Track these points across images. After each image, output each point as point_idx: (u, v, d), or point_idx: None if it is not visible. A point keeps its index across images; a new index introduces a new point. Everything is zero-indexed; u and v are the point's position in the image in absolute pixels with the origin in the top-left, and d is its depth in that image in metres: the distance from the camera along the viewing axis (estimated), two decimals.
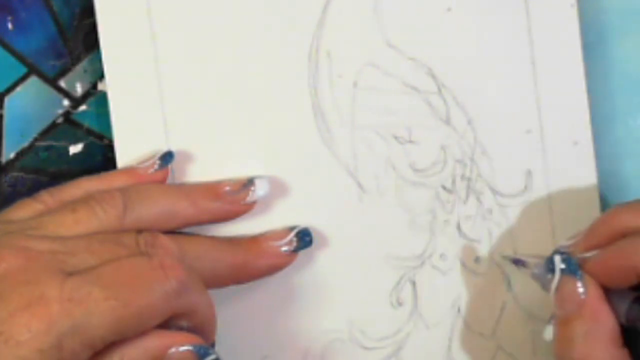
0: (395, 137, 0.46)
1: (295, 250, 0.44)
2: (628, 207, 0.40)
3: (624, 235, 0.39)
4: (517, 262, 0.45)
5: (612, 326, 0.38)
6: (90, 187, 0.42)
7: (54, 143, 0.46)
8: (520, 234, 0.47)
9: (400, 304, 0.46)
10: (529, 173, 0.47)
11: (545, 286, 0.41)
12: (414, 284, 0.46)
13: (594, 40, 0.48)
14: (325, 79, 0.46)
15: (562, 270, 0.38)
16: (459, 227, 0.47)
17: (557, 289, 0.39)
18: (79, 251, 0.38)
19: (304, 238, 0.44)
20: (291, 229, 0.45)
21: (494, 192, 0.47)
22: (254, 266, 0.44)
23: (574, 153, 0.47)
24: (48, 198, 0.42)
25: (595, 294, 0.38)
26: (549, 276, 0.39)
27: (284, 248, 0.44)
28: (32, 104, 0.45)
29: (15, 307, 0.35)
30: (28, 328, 0.34)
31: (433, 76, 0.46)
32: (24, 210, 0.41)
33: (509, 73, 0.47)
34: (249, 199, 0.44)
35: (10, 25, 0.45)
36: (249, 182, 0.44)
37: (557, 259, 0.39)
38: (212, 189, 0.44)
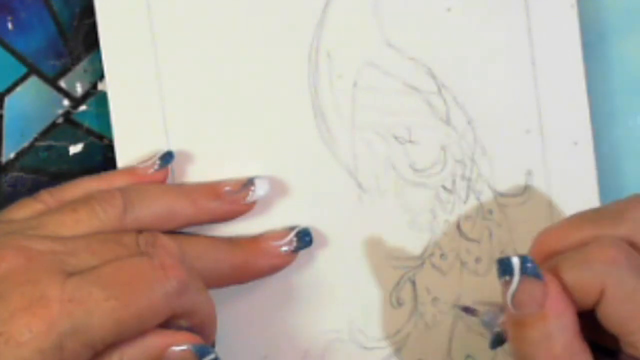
0: (395, 137, 0.46)
1: (295, 250, 0.44)
2: (556, 228, 0.39)
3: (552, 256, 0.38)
4: (467, 311, 0.45)
5: (574, 320, 0.36)
6: (91, 187, 0.42)
7: (54, 143, 0.46)
8: (520, 234, 0.47)
9: (400, 304, 0.46)
10: (529, 173, 0.47)
11: (492, 331, 0.40)
12: (414, 284, 0.46)
13: (594, 40, 0.48)
14: (325, 79, 0.46)
15: (521, 272, 0.36)
16: (459, 227, 0.47)
17: (516, 291, 0.36)
18: (80, 251, 0.38)
19: (304, 238, 0.44)
20: (291, 228, 0.45)
21: (494, 192, 0.47)
22: (254, 266, 0.44)
23: (574, 153, 0.47)
24: (48, 198, 0.42)
25: (556, 290, 0.36)
26: (504, 279, 0.36)
27: (284, 248, 0.44)
28: (32, 104, 0.45)
29: (15, 308, 0.35)
30: (29, 328, 0.34)
31: (433, 76, 0.46)
32: (24, 210, 0.41)
33: (509, 73, 0.47)
34: (249, 198, 0.44)
35: (10, 25, 0.45)
36: (249, 182, 0.44)
37: (515, 260, 0.36)
38: (212, 189, 0.44)
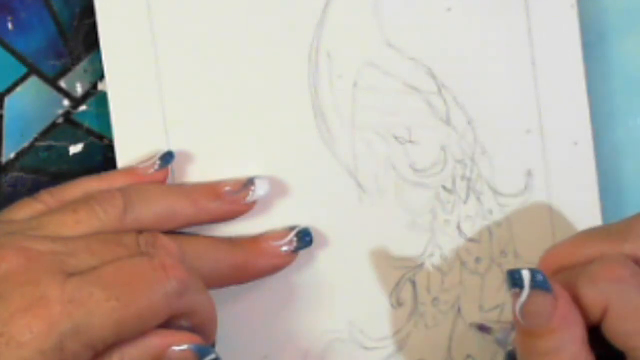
0: (395, 137, 0.46)
1: (295, 250, 0.44)
2: (564, 244, 0.40)
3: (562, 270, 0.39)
4: (482, 329, 0.45)
5: (582, 333, 0.37)
6: (91, 187, 0.42)
7: (54, 143, 0.46)
8: (520, 234, 0.47)
9: (400, 304, 0.46)
10: (529, 173, 0.47)
11: (505, 348, 0.40)
12: (414, 284, 0.46)
13: (594, 40, 0.48)
14: (325, 79, 0.46)
15: (531, 284, 0.36)
16: (459, 227, 0.47)
17: (525, 303, 0.36)
18: (80, 251, 0.38)
19: (304, 238, 0.44)
20: (291, 228, 0.45)
21: (494, 192, 0.47)
22: (254, 266, 0.44)
23: (574, 153, 0.47)
24: (48, 198, 0.42)
25: (565, 303, 0.37)
26: (514, 291, 0.37)
27: (284, 248, 0.44)
28: (32, 104, 0.45)
29: (16, 308, 0.35)
30: (29, 329, 0.34)
31: (433, 76, 0.46)
32: (24, 210, 0.41)
33: (509, 73, 0.47)
34: (249, 198, 0.44)
35: (10, 25, 0.45)
36: (249, 182, 0.44)
37: (526, 273, 0.37)
38: (212, 189, 0.44)
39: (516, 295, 0.37)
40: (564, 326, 0.36)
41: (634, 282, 0.36)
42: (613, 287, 0.36)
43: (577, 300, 0.37)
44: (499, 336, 0.42)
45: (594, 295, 0.36)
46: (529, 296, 0.36)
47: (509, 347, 0.41)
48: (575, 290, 0.37)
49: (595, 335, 0.37)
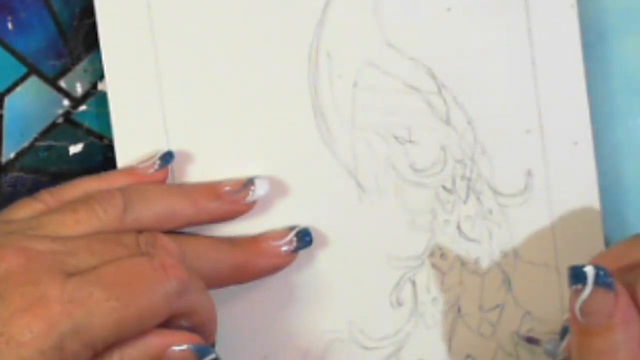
0: (395, 137, 0.46)
1: (295, 250, 0.44)
2: (620, 245, 0.40)
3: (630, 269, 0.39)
4: (530, 341, 0.45)
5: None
6: (91, 187, 0.42)
7: (54, 143, 0.46)
8: (520, 234, 0.47)
9: (400, 304, 0.46)
10: (529, 173, 0.47)
11: (554, 358, 0.40)
12: (414, 284, 0.46)
13: (594, 40, 0.48)
14: (325, 79, 0.46)
15: (595, 282, 0.36)
16: (459, 227, 0.47)
17: (587, 300, 0.36)
18: (80, 251, 0.38)
19: (304, 238, 0.44)
20: (291, 228, 0.45)
21: (494, 192, 0.47)
22: (254, 266, 0.44)
23: (574, 153, 0.47)
24: (48, 198, 0.42)
25: (626, 302, 0.37)
26: (576, 287, 0.37)
27: (284, 248, 0.44)
28: (32, 104, 0.45)
29: (16, 308, 0.35)
30: (29, 329, 0.34)
31: (433, 76, 0.46)
32: (24, 210, 0.41)
33: (509, 73, 0.47)
34: (249, 198, 0.44)
35: (10, 25, 0.45)
36: (249, 182, 0.44)
37: (590, 270, 0.36)
38: (212, 189, 0.44)
39: (577, 292, 0.36)
40: (623, 325, 0.36)
41: None
42: None
43: (635, 301, 0.37)
44: (548, 347, 0.42)
45: None
46: (591, 293, 0.36)
47: (559, 358, 0.41)
48: (634, 291, 0.37)
49: None
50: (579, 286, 0.37)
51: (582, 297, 0.36)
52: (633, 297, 0.37)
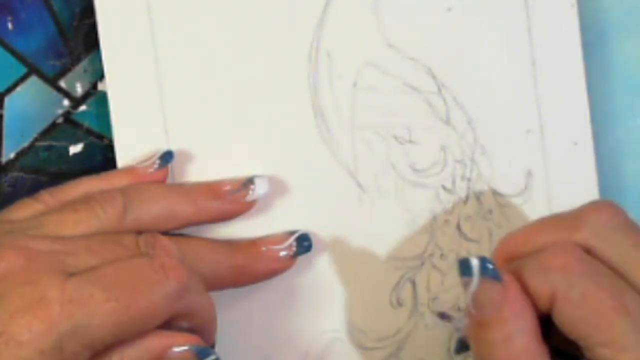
0: (395, 137, 0.46)
1: (294, 256, 0.44)
2: (518, 233, 0.40)
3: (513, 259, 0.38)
4: (443, 317, 0.45)
5: (533, 322, 0.36)
6: (91, 187, 0.42)
7: (54, 143, 0.46)
8: None
9: (400, 304, 0.46)
10: (529, 173, 0.47)
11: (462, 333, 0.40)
12: (414, 284, 0.46)
13: (594, 40, 0.48)
14: (325, 79, 0.46)
15: (481, 273, 0.36)
16: (459, 227, 0.47)
17: (476, 292, 0.36)
18: (80, 251, 0.38)
19: (303, 243, 0.44)
20: (291, 233, 0.45)
21: (494, 192, 0.47)
22: (252, 269, 0.44)
23: (574, 153, 0.47)
24: (48, 198, 0.42)
25: (515, 292, 0.36)
26: (464, 280, 0.36)
27: (283, 253, 0.44)
28: (32, 104, 0.45)
29: (15, 308, 0.35)
30: (29, 329, 0.34)
31: (433, 76, 0.46)
32: (24, 210, 0.41)
33: (509, 73, 0.47)
34: (249, 197, 0.44)
35: (10, 25, 0.45)
36: (249, 181, 0.44)
37: (475, 262, 0.36)
38: (212, 189, 0.44)
39: (466, 284, 0.36)
40: (514, 316, 0.36)
41: (580, 269, 0.36)
42: (559, 275, 0.36)
43: (526, 290, 0.36)
44: (459, 325, 0.41)
45: (541, 284, 0.36)
46: (478, 285, 0.36)
47: (461, 334, 0.41)
48: (524, 280, 0.36)
49: (553, 328, 0.36)
50: (467, 279, 0.36)
51: (470, 289, 0.36)
52: (525, 286, 0.36)
